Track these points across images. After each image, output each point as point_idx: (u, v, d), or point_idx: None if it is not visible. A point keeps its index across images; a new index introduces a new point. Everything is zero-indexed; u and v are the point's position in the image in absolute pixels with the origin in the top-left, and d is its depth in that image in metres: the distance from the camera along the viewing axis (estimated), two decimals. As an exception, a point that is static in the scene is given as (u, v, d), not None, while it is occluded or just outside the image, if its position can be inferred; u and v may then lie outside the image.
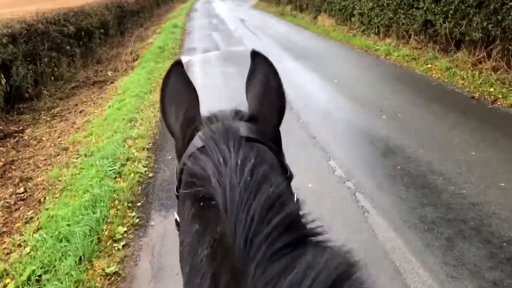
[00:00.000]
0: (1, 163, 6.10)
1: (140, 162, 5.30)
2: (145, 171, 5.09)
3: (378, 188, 4.11)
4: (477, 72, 7.35)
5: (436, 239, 3.30)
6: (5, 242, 4.06)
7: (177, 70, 0.95)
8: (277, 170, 0.76)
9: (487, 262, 3.02)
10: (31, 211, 4.60)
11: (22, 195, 5.11)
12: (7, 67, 8.44)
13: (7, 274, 3.48)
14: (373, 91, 7.39)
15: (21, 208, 4.76)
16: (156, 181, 4.91)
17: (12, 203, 4.92)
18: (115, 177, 4.89)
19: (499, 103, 6.15)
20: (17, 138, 7.26)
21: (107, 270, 3.40)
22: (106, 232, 3.88)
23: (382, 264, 3.12)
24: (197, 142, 0.76)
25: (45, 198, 4.82)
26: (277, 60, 9.99)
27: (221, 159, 0.65)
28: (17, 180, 5.49)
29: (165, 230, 3.95)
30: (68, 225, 3.88)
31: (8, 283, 3.37)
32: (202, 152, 0.70)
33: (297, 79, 8.60)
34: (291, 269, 0.50)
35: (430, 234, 3.36)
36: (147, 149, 5.72)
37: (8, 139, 7.12)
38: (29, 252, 3.73)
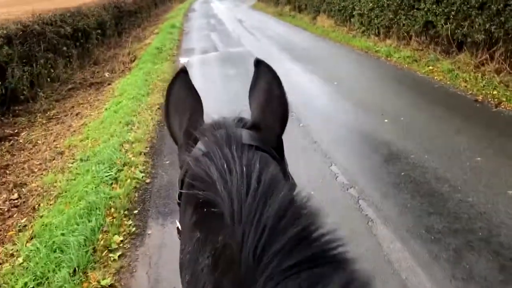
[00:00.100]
0: (-5, 167, 5.97)
1: (137, 167, 5.17)
2: (142, 177, 4.97)
3: (382, 196, 3.99)
4: (480, 75, 7.24)
5: (443, 250, 3.19)
6: (-3, 251, 3.93)
7: (182, 78, 0.93)
8: (281, 179, 0.73)
9: (498, 275, 2.91)
10: (24, 219, 4.47)
11: (16, 201, 4.98)
12: (2, 69, 8.30)
13: (-1, 287, 3.36)
14: (375, 94, 7.28)
15: (14, 215, 4.63)
16: (154, 187, 4.79)
17: (5, 209, 4.79)
18: (111, 183, 4.76)
19: (503, 107, 6.04)
20: (12, 141, 7.11)
21: (103, 283, 3.28)
22: (102, 242, 3.75)
23: (388, 277, 3.00)
24: (200, 147, 0.75)
25: (39, 205, 4.69)
26: (276, 62, 9.92)
27: (225, 165, 0.64)
28: (11, 185, 5.35)
29: (162, 239, 3.83)
30: (63, 234, 3.76)
31: (-1, 296, 3.25)
32: (205, 156, 0.69)
33: (296, 81, 8.49)
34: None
35: (437, 245, 3.25)
36: (144, 154, 5.59)
37: (3, 142, 6.98)
38: (22, 263, 3.60)
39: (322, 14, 16.04)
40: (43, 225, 4.07)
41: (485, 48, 7.61)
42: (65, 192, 4.70)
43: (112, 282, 3.30)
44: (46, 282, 3.29)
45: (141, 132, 6.25)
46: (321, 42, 13.04)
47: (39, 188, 5.12)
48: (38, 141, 7.04)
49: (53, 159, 6.05)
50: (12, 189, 5.24)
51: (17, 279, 3.34)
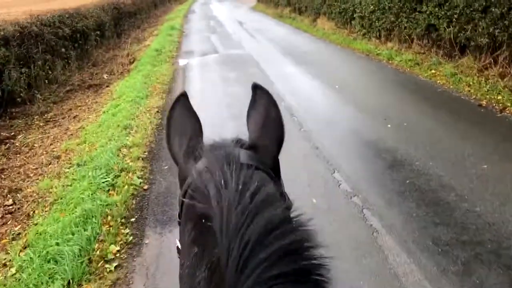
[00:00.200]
0: (-9, 172, 5.85)
1: (135, 173, 5.05)
2: (140, 183, 4.85)
3: (387, 205, 3.88)
4: (483, 79, 7.14)
5: (452, 263, 3.07)
6: (-11, 261, 3.81)
7: (182, 102, 0.98)
8: (276, 198, 0.76)
9: (509, 291, 2.80)
10: (19, 226, 4.35)
11: (11, 207, 4.86)
12: (-1, 71, 8.19)
13: (-10, 299, 3.24)
14: (377, 98, 7.18)
15: (8, 223, 4.51)
16: (151, 193, 4.67)
17: (-1, 216, 4.67)
18: (108, 190, 4.64)
19: (507, 112, 5.94)
20: (8, 144, 6.99)
21: (98, 295, 3.16)
22: (98, 252, 3.63)
23: (395, 292, 2.89)
24: (201, 166, 0.78)
25: (34, 211, 4.57)
26: (276, 64, 9.83)
27: (222, 182, 0.67)
28: (6, 190, 5.23)
29: (160, 249, 3.72)
30: (57, 243, 3.63)
31: (-10, 309, 3.13)
32: (206, 173, 0.72)
33: (297, 85, 8.39)
34: None
35: (445, 258, 3.13)
36: (142, 159, 5.47)
37: (-2, 145, 6.86)
38: (15, 274, 3.47)
39: (323, 17, 15.95)
40: (37, 233, 3.95)
41: (488, 52, 7.51)
42: (61, 198, 4.58)
43: (108, 294, 3.19)
44: (39, 294, 3.17)
45: (139, 136, 6.13)
46: (321, 45, 12.94)
47: (35, 194, 5.00)
48: (35, 145, 6.92)
49: (50, 164, 5.93)
50: (7, 195, 5.11)
51: (9, 291, 3.22)
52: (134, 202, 4.49)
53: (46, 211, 4.47)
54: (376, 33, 11.65)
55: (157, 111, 7.43)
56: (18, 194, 5.10)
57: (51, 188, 4.98)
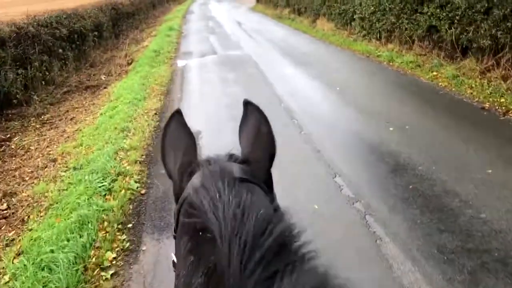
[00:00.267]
0: (-15, 175, 5.74)
1: (132, 177, 4.95)
2: (137, 187, 4.75)
3: (390, 211, 3.78)
4: (485, 81, 7.06)
5: (458, 272, 2.98)
6: (-18, 269, 3.70)
7: (177, 119, 1.00)
8: (268, 207, 0.77)
9: (518, 302, 2.71)
10: (13, 232, 4.24)
11: (5, 212, 4.75)
12: (-5, 72, 8.08)
13: (-19, 309, 3.14)
14: (378, 100, 7.09)
15: (2, 228, 4.40)
16: (149, 198, 4.57)
17: (-7, 221, 4.56)
18: (105, 194, 4.54)
19: (511, 115, 5.85)
20: (3, 147, 6.89)
21: (93, 305, 3.07)
22: (93, 259, 3.54)
23: (400, 302, 2.80)
24: (196, 180, 0.80)
25: (29, 216, 4.46)
26: (276, 66, 9.74)
27: (217, 195, 0.70)
28: (0, 195, 5.12)
29: (157, 256, 3.62)
30: (52, 251, 3.53)
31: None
32: (202, 188, 0.75)
33: (297, 86, 8.30)
34: None
35: (451, 267, 3.04)
36: (140, 162, 5.37)
37: (-6, 148, 6.76)
38: (8, 282, 3.38)
39: (322, 18, 15.87)
40: (31, 239, 3.85)
41: (490, 54, 7.43)
42: (56, 203, 4.48)
43: (104, 304, 3.09)
44: (33, 304, 3.07)
45: (137, 139, 6.03)
46: (321, 46, 12.85)
47: (30, 198, 4.90)
48: (31, 147, 6.82)
49: (45, 167, 5.82)
50: (1, 199, 5.01)
51: (1, 300, 3.12)
52: (131, 207, 4.39)
53: (41, 216, 4.37)
54: (377, 35, 11.57)
55: (155, 113, 7.34)
56: (13, 198, 5.00)
57: (47, 193, 4.88)
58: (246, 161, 0.89)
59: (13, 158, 6.45)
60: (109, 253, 3.63)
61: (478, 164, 4.52)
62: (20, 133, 7.51)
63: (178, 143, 0.96)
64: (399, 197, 4.01)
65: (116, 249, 3.71)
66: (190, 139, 0.97)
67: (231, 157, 0.92)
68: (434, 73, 8.18)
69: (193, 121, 6.75)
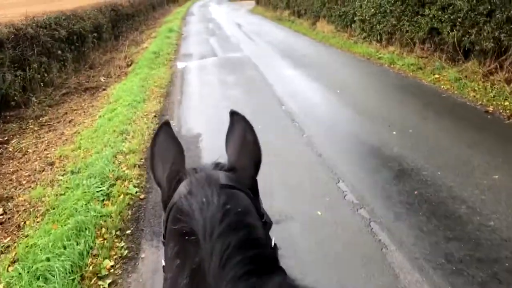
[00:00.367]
0: (-19, 179, 5.63)
1: (131, 181, 4.85)
2: (136, 192, 4.65)
3: (396, 218, 3.69)
4: (489, 84, 6.97)
5: (468, 284, 2.88)
6: (-24, 277, 3.60)
7: (165, 130, 1.02)
8: (253, 214, 0.84)
9: (531, 315, 2.61)
10: (8, 238, 4.14)
11: (1, 217, 4.65)
12: (-8, 74, 7.99)
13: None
14: (380, 103, 7.01)
15: (-2, 234, 4.31)
16: (148, 203, 4.48)
17: (-11, 227, 4.46)
18: (103, 200, 4.44)
19: (516, 118, 5.77)
20: (1, 149, 6.79)
21: (90, 316, 2.97)
22: (91, 268, 3.44)
23: (408, 314, 2.70)
24: (183, 188, 0.83)
25: (25, 222, 4.36)
26: (276, 68, 9.65)
27: (204, 200, 0.74)
28: (-4, 199, 5.03)
29: (156, 263, 3.51)
30: (48, 259, 3.43)
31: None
32: (189, 194, 0.78)
33: (298, 89, 8.21)
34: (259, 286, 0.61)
35: (461, 278, 2.95)
36: (139, 166, 5.28)
37: (-9, 151, 6.66)
38: (2, 291, 3.28)
39: (322, 20, 15.78)
40: (27, 246, 3.75)
41: (493, 57, 7.35)
42: (53, 208, 4.38)
43: (101, 315, 2.99)
44: (28, 314, 2.97)
45: (136, 142, 5.94)
46: (321, 48, 12.77)
47: (26, 203, 4.79)
48: (29, 150, 6.72)
49: (43, 170, 5.73)
50: (-3, 204, 4.91)
51: (-5, 311, 3.02)
52: (129, 212, 4.30)
53: (37, 222, 4.27)
54: (377, 37, 11.49)
55: (155, 116, 7.24)
56: (9, 203, 4.90)
57: (44, 197, 4.78)
58: (232, 169, 0.92)
59: (11, 161, 6.35)
60: (107, 261, 3.53)
61: (484, 169, 4.43)
62: (18, 136, 7.42)
63: (167, 154, 0.97)
64: (404, 203, 3.92)
65: (114, 257, 3.61)
66: (178, 150, 0.99)
67: (217, 165, 0.95)
68: (436, 75, 8.10)
69: (193, 124, 6.68)
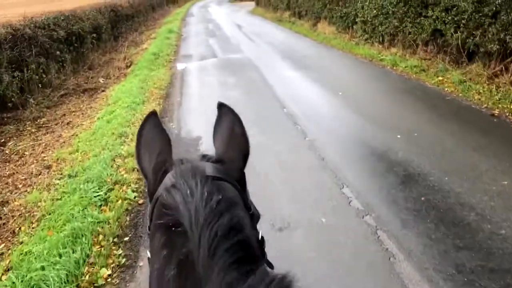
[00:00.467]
0: (-23, 182, 5.51)
1: (129, 186, 4.73)
2: (135, 197, 4.53)
3: (403, 225, 3.57)
4: (494, 87, 6.86)
5: (480, 296, 2.77)
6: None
7: (152, 120, 1.00)
8: (240, 205, 0.83)
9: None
10: (2, 245, 4.01)
11: (-4, 222, 4.53)
12: (-11, 75, 7.86)
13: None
14: (383, 105, 6.89)
15: (-8, 240, 4.18)
16: (147, 209, 4.33)
17: (-17, 232, 4.33)
18: (101, 205, 4.32)
19: (522, 122, 5.66)
20: (-3, 152, 6.67)
21: (86, 329, 2.84)
22: (87, 277, 3.31)
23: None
24: (168, 180, 0.82)
25: (20, 228, 4.23)
26: (277, 70, 9.51)
27: (188, 191, 0.72)
28: (-9, 203, 4.90)
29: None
30: (42, 267, 3.31)
31: None
32: (173, 187, 0.76)
33: (299, 91, 8.09)
34: (249, 275, 0.61)
35: (472, 289, 2.83)
36: (138, 170, 5.15)
37: (-13, 153, 6.53)
38: (-5, 301, 3.16)
39: (323, 21, 15.68)
40: (21, 254, 3.62)
41: (498, 59, 7.24)
42: (49, 214, 4.25)
43: (97, 327, 2.87)
44: (21, 327, 2.85)
45: (135, 145, 5.80)
46: (322, 50, 12.66)
47: (22, 208, 4.67)
48: (26, 152, 6.60)
49: (40, 174, 5.60)
50: (-8, 208, 4.78)
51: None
52: (128, 218, 4.17)
53: (33, 228, 4.15)
54: (379, 38, 11.38)
55: (154, 118, 7.10)
56: (4, 208, 4.77)
57: (40, 202, 4.65)
58: (219, 161, 0.91)
59: (7, 164, 6.23)
60: (103, 269, 3.41)
61: (492, 174, 4.31)
62: (15, 138, 7.30)
63: (153, 145, 0.96)
64: (411, 210, 3.80)
65: (112, 265, 3.49)
66: (165, 140, 0.97)
67: (204, 156, 0.95)
68: (440, 78, 7.98)
69: (193, 126, 6.56)
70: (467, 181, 4.20)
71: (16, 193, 5.18)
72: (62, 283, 3.14)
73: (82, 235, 3.71)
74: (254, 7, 29.34)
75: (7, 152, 6.69)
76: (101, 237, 3.79)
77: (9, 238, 4.13)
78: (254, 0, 30.47)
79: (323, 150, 5.23)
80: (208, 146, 5.83)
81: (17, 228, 4.26)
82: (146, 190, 0.95)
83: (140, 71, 10.84)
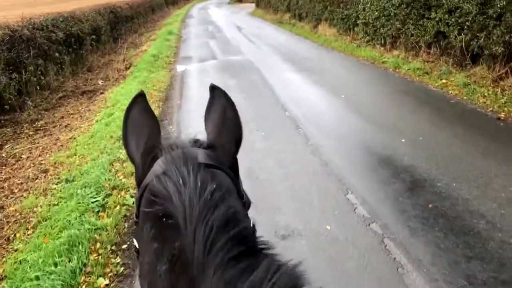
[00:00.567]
0: (-28, 187, 5.39)
1: (128, 191, 4.61)
2: (133, 203, 4.39)
3: (411, 234, 3.45)
4: (499, 90, 6.76)
5: (494, 310, 2.65)
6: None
7: (140, 102, 0.95)
8: (234, 194, 0.81)
9: None
10: (-4, 252, 3.89)
11: (-10, 229, 4.40)
12: (-14, 77, 7.74)
13: None
14: (386, 108, 6.78)
15: (-14, 247, 4.05)
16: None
17: (-23, 239, 4.21)
18: (98, 211, 4.19)
19: (529, 126, 5.55)
20: (-6, 155, 6.54)
21: None
22: (83, 287, 3.19)
23: None
24: (158, 166, 0.79)
25: (15, 235, 4.11)
26: (278, 72, 9.39)
27: (180, 181, 0.69)
28: (-14, 209, 4.78)
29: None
30: (37, 277, 3.19)
31: None
32: (164, 174, 0.73)
33: (301, 93, 7.98)
34: (250, 272, 0.57)
35: (486, 303, 2.71)
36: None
37: (-17, 157, 6.41)
38: (-13, 313, 3.03)
39: (324, 23, 15.58)
40: (16, 262, 3.50)
41: (503, 61, 7.13)
42: (45, 220, 4.13)
43: None
44: None
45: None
46: (324, 52, 12.56)
47: (17, 214, 4.54)
48: (22, 156, 6.47)
49: (36, 178, 5.47)
50: (-13, 214, 4.66)
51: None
52: (126, 225, 4.05)
53: (28, 235, 4.02)
54: (381, 40, 11.28)
55: (154, 121, 6.99)
56: (-1, 213, 4.65)
57: (36, 207, 4.53)
58: (211, 146, 0.88)
59: (3, 167, 6.10)
60: (101, 279, 3.28)
61: (501, 181, 4.19)
62: (12, 141, 7.17)
63: (141, 128, 0.92)
64: (418, 217, 3.68)
65: (109, 275, 3.36)
66: (153, 123, 0.93)
67: (195, 142, 0.91)
68: (444, 80, 7.88)
69: (194, 129, 6.42)
70: (476, 188, 4.09)
71: (12, 198, 5.06)
72: (57, 294, 3.02)
73: (79, 243, 3.59)
74: (254, 9, 29.27)
75: (3, 155, 6.57)
76: (98, 244, 3.67)
77: (3, 246, 4.01)
78: (254, 1, 30.41)
79: (327, 154, 5.11)
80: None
81: (12, 235, 4.13)
82: (134, 176, 0.90)
83: (139, 73, 10.73)
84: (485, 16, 7.31)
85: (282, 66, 10.65)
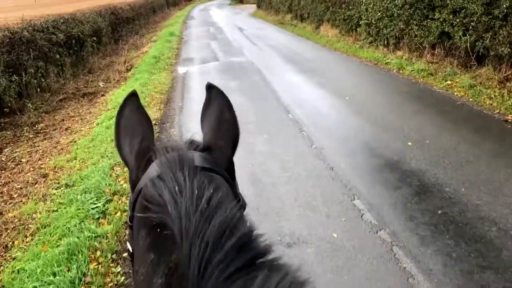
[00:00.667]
0: (-30, 192, 5.29)
1: (129, 197, 4.50)
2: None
3: (420, 242, 3.34)
4: (506, 91, 6.64)
5: (510, 323, 2.54)
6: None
7: (132, 102, 0.93)
8: (230, 198, 0.78)
9: None
10: (-6, 261, 3.80)
11: (-12, 236, 4.31)
12: (-15, 79, 7.66)
13: None
14: (392, 111, 6.67)
15: (-16, 255, 3.96)
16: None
17: (-26, 247, 4.11)
18: (98, 217, 4.10)
19: (538, 129, 5.43)
20: (-7, 159, 6.45)
21: None
22: (83, 298, 3.09)
23: None
24: (152, 170, 0.76)
25: (13, 242, 4.01)
26: (280, 73, 9.29)
27: (176, 188, 0.66)
28: (-15, 215, 4.68)
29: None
30: (35, 288, 3.09)
31: None
32: (159, 179, 0.71)
33: (304, 95, 7.88)
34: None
35: (502, 316, 2.60)
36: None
37: (-18, 161, 6.32)
38: (-16, 325, 2.94)
39: (326, 24, 15.48)
40: (13, 271, 3.41)
41: (510, 62, 7.02)
42: (44, 227, 4.03)
43: None
44: None
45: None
46: (326, 53, 12.46)
47: (16, 220, 4.45)
48: (22, 159, 6.38)
49: (36, 183, 5.38)
50: (-15, 220, 4.56)
51: None
52: (127, 232, 3.94)
53: (26, 243, 3.92)
54: (384, 41, 11.17)
55: (155, 124, 6.90)
56: (-2, 220, 4.55)
57: (35, 213, 4.43)
58: (208, 148, 0.86)
59: (3, 171, 6.01)
60: (101, 289, 3.19)
61: (511, 184, 4.08)
62: (11, 144, 7.08)
63: (134, 129, 0.90)
64: (428, 224, 3.57)
65: (110, 285, 3.27)
66: (146, 124, 0.92)
67: (191, 144, 0.88)
68: (449, 82, 7.77)
69: (195, 132, 6.33)
70: (486, 193, 3.98)
71: (11, 203, 4.96)
72: (55, 306, 2.92)
73: (79, 251, 3.49)
74: (255, 9, 29.19)
75: (3, 159, 6.48)
76: (98, 253, 3.57)
77: (1, 253, 3.91)
78: (255, 3, 30.33)
79: (331, 158, 5.01)
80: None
81: (10, 243, 4.04)
82: (128, 178, 0.88)
83: (140, 74, 10.64)
84: (490, 17, 7.20)
85: (284, 67, 10.55)
